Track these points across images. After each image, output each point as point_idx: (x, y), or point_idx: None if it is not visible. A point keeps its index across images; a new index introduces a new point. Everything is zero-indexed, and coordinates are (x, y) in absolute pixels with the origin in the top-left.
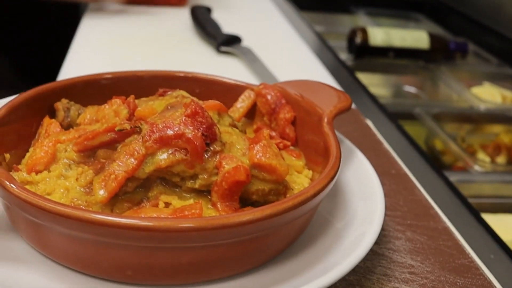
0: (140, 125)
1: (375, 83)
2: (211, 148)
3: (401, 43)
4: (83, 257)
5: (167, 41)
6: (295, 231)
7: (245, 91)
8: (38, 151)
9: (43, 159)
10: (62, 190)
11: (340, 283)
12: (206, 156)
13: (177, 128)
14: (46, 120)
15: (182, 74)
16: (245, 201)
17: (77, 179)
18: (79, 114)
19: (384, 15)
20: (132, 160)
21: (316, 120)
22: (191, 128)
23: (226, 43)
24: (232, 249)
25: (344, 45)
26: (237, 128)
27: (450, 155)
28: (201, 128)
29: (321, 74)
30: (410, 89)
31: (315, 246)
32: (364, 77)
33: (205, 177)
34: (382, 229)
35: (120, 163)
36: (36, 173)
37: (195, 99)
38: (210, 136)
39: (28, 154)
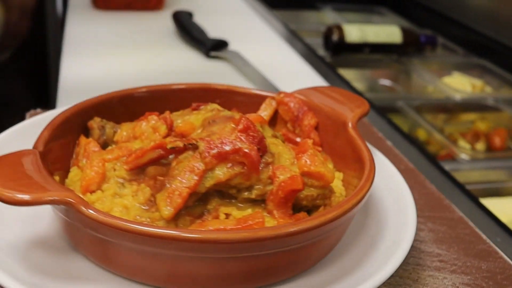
0: (196, 142)
1: (352, 78)
2: (264, 160)
3: (376, 39)
4: (156, 272)
5: (154, 47)
6: (341, 234)
7: (266, 100)
8: (88, 172)
9: (95, 179)
10: (120, 209)
11: None
12: (260, 167)
13: (233, 144)
14: (83, 139)
15: (203, 86)
16: (295, 207)
17: (133, 197)
18: (114, 132)
19: (349, 10)
20: (194, 176)
21: (340, 125)
22: (246, 142)
23: (215, 48)
24: (294, 254)
25: (318, 42)
26: (277, 138)
27: (434, 144)
28: (255, 142)
29: (308, 73)
30: (386, 82)
31: (352, 252)
32: (342, 73)
33: (261, 187)
34: None
35: (183, 180)
36: (91, 193)
37: (236, 113)
38: (262, 149)
39: (71, 175)
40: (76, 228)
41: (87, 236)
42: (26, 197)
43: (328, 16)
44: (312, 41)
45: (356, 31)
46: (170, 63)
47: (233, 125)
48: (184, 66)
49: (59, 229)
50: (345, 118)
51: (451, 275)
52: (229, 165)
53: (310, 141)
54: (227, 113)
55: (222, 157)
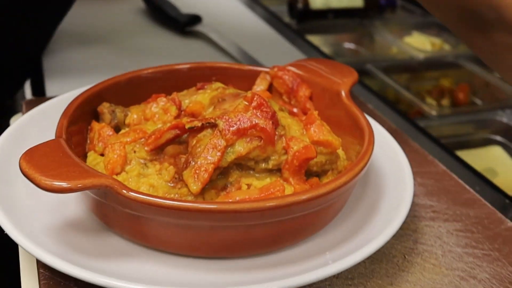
0: (215, 121)
1: (319, 44)
2: (277, 133)
3: (339, 5)
4: (190, 242)
5: (128, 28)
6: (349, 195)
7: (260, 74)
8: (111, 155)
9: (119, 162)
10: (148, 187)
11: None
12: (275, 139)
13: (250, 120)
14: (96, 124)
15: (202, 65)
16: (306, 173)
17: (158, 176)
18: (125, 116)
19: None
20: (217, 152)
21: (334, 94)
22: (261, 118)
23: (189, 23)
24: (314, 216)
25: (280, 10)
26: (284, 111)
27: (403, 103)
28: (269, 117)
29: (278, 41)
30: (350, 45)
31: (363, 203)
32: (310, 39)
33: (276, 158)
34: None
35: (208, 156)
36: (116, 175)
37: (241, 91)
38: (275, 123)
39: (89, 159)
40: (112, 208)
41: (124, 215)
42: (65, 184)
43: None
44: (276, 9)
45: None
46: (146, 42)
47: (245, 102)
48: (161, 45)
49: (90, 210)
50: (338, 87)
51: (445, 223)
52: (248, 139)
53: (316, 112)
54: (232, 90)
55: (241, 133)
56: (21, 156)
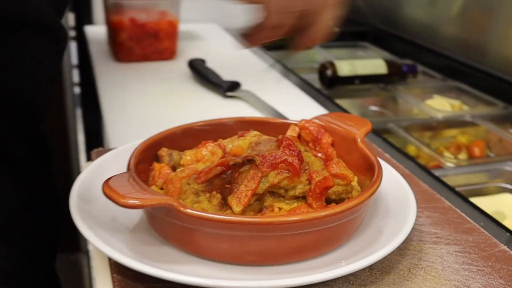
0: (253, 157)
1: (346, 107)
2: (302, 167)
3: (364, 71)
4: (235, 251)
5: (177, 92)
6: (361, 218)
7: (290, 126)
8: (170, 187)
9: (176, 192)
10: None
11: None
12: (300, 173)
13: (280, 157)
14: (156, 165)
15: (243, 119)
16: (326, 200)
17: (208, 202)
18: (180, 158)
19: (336, 47)
20: (254, 181)
21: (351, 141)
22: (289, 155)
23: (230, 88)
24: (332, 231)
25: (311, 78)
26: (308, 152)
27: (423, 157)
28: (296, 155)
29: (309, 104)
30: (375, 108)
31: (373, 224)
32: (338, 103)
33: (302, 187)
34: None
35: (247, 184)
36: None
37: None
38: (300, 159)
39: None
40: (172, 224)
41: (181, 229)
42: (137, 202)
43: (319, 54)
44: (307, 77)
45: (347, 66)
46: (192, 104)
47: (276, 144)
48: (205, 106)
49: (151, 226)
50: (354, 135)
51: (446, 246)
52: (278, 172)
53: (334, 152)
54: (266, 137)
55: (273, 167)
56: (103, 182)
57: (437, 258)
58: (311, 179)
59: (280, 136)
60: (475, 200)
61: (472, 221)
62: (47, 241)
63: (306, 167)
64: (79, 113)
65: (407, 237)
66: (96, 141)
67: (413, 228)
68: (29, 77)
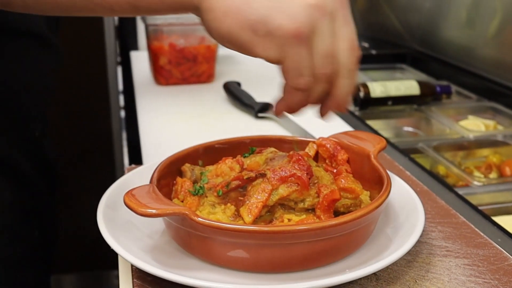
0: (264, 172)
1: (379, 128)
2: (311, 181)
3: (397, 92)
4: (245, 259)
5: (212, 113)
6: (370, 229)
7: (309, 144)
8: (189, 199)
9: (194, 204)
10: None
11: (401, 261)
12: (309, 186)
13: (290, 171)
14: (179, 179)
15: (262, 138)
16: (335, 213)
17: (223, 213)
18: (201, 173)
19: (373, 69)
20: (265, 193)
21: (365, 158)
22: (298, 170)
23: (262, 110)
24: (337, 241)
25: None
26: (319, 167)
27: (452, 177)
28: (305, 169)
29: (341, 126)
30: (408, 129)
31: (383, 237)
32: (370, 124)
33: (310, 200)
34: None
35: (258, 196)
36: None
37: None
38: (309, 174)
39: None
40: (187, 232)
41: (195, 237)
42: (154, 211)
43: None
44: None
45: (380, 87)
46: (226, 124)
47: (288, 159)
48: (238, 126)
49: (171, 237)
50: (369, 152)
51: (455, 259)
52: (288, 185)
53: (343, 167)
54: (281, 153)
55: (283, 180)
56: (125, 193)
57: (444, 270)
58: (320, 193)
59: (291, 152)
60: (500, 219)
61: (485, 236)
62: (40, 251)
63: (316, 181)
64: (124, 135)
65: (416, 250)
66: (137, 161)
67: (423, 242)
68: (21, 84)
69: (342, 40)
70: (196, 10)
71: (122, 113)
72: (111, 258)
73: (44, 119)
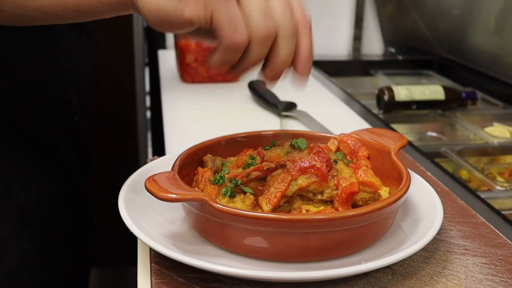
0: (284, 162)
1: (403, 132)
2: (330, 173)
3: (421, 97)
4: (262, 247)
5: (236, 111)
6: (389, 222)
7: (330, 139)
8: (209, 188)
9: (213, 193)
10: None
11: (418, 257)
12: (329, 178)
13: (309, 162)
14: (200, 169)
15: (279, 131)
16: (353, 207)
17: (242, 202)
18: (222, 164)
19: (399, 75)
20: (284, 184)
21: (386, 154)
22: (318, 161)
23: (286, 108)
24: (353, 233)
25: (370, 103)
26: (340, 160)
27: (475, 182)
28: (324, 161)
29: (364, 126)
30: (432, 134)
31: (401, 232)
32: (394, 127)
33: (329, 192)
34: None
35: (277, 186)
36: None
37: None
38: (328, 166)
39: None
40: (205, 219)
41: (213, 224)
42: (174, 196)
43: (380, 81)
44: (366, 102)
45: (404, 91)
46: (249, 122)
47: (308, 151)
48: (261, 124)
49: (190, 224)
50: (389, 149)
51: (473, 258)
52: (307, 176)
53: (363, 162)
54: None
55: (302, 171)
56: (147, 178)
57: (461, 268)
58: (339, 185)
59: (311, 144)
60: None
61: (504, 237)
62: (75, 239)
63: (335, 174)
64: (149, 136)
65: (433, 247)
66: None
67: (441, 240)
68: (59, 67)
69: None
70: (134, 6)
71: (148, 114)
72: (130, 254)
73: (83, 103)
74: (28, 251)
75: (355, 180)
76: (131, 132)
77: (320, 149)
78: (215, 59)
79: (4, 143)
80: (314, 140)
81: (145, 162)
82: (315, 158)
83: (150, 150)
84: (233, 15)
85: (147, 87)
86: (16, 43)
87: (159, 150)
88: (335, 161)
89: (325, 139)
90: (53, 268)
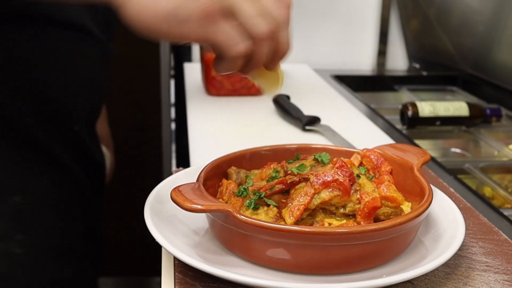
0: (307, 176)
1: (427, 148)
2: (353, 188)
3: (445, 113)
4: (284, 259)
5: (261, 125)
6: (411, 236)
7: (353, 154)
8: (233, 200)
9: (237, 204)
10: None
11: (439, 273)
12: (351, 192)
13: (333, 176)
14: (225, 181)
15: (307, 146)
16: (375, 221)
17: (265, 214)
18: (246, 176)
19: (423, 90)
20: (307, 197)
21: (408, 170)
22: (341, 175)
23: (309, 123)
24: (375, 247)
25: (394, 118)
26: (363, 175)
27: (499, 199)
28: (347, 175)
29: (387, 141)
30: (456, 150)
31: (422, 247)
32: (418, 143)
33: (352, 206)
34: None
35: (300, 199)
36: None
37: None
38: (351, 180)
39: None
40: (229, 230)
41: (236, 235)
42: (200, 206)
43: (404, 97)
44: (390, 117)
45: (428, 107)
46: (273, 135)
47: (331, 165)
48: (285, 138)
49: (214, 235)
50: (412, 164)
51: (495, 274)
52: (330, 190)
53: (386, 177)
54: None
55: (325, 185)
56: (172, 189)
57: (483, 285)
58: (361, 199)
59: (335, 158)
60: None
61: None
62: (84, 248)
63: (358, 188)
64: (174, 148)
65: (455, 263)
66: (185, 166)
67: (463, 256)
68: (59, 76)
69: None
70: (112, 2)
71: (173, 126)
72: (153, 263)
73: (89, 115)
74: (20, 255)
75: (377, 195)
76: (156, 143)
77: (343, 164)
78: (222, 67)
79: (1, 144)
80: (337, 155)
81: (170, 173)
82: (338, 172)
83: (174, 161)
84: (231, 34)
85: (172, 99)
86: (15, 47)
87: (183, 162)
88: (358, 176)
89: (349, 154)
90: (50, 274)
